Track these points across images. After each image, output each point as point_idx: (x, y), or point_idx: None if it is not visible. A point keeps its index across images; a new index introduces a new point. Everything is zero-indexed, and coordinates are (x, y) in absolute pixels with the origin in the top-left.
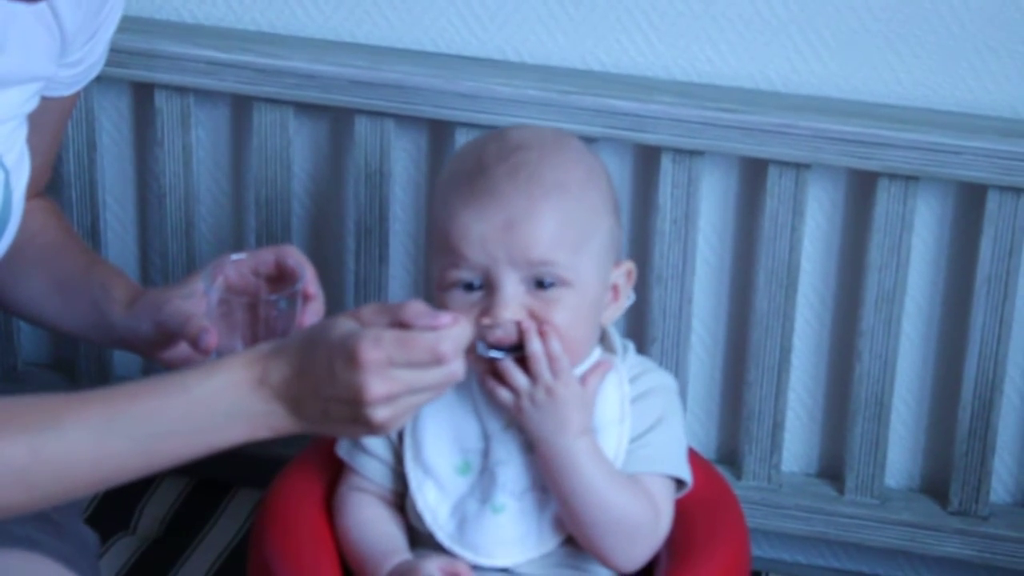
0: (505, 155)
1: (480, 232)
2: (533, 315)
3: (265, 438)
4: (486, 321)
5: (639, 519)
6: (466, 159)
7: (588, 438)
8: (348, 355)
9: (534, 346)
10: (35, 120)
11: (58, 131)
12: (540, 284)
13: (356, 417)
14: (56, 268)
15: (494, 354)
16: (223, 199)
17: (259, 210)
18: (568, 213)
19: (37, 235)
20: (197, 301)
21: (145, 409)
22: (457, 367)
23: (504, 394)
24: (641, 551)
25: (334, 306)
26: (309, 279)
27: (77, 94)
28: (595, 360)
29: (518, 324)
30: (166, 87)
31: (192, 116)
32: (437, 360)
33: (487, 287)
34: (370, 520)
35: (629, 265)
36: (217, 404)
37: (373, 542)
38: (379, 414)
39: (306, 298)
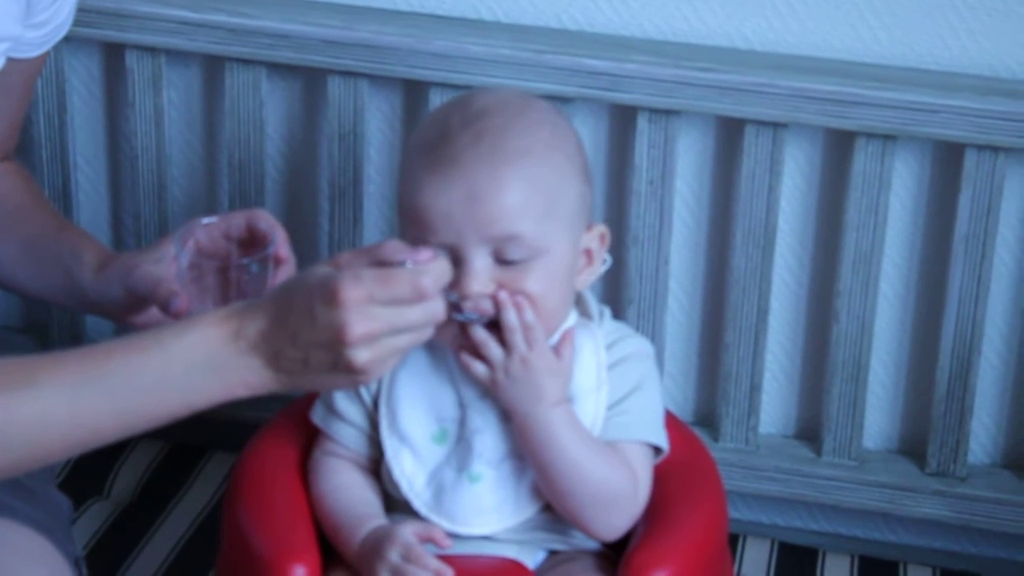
0: (468, 122)
1: (444, 206)
2: (504, 287)
3: (243, 396)
4: (455, 295)
5: (618, 488)
6: (430, 127)
7: (564, 407)
8: (328, 294)
9: (509, 317)
10: (1, 83)
11: (26, 93)
12: (509, 261)
13: (337, 362)
14: (25, 232)
15: (469, 316)
16: (195, 160)
17: (232, 171)
18: (533, 179)
19: (5, 199)
20: (167, 265)
21: (120, 365)
22: (438, 305)
23: (479, 368)
24: (621, 520)
25: (309, 266)
26: (280, 243)
27: (44, 55)
28: (571, 326)
29: (493, 297)
30: (137, 47)
31: (164, 77)
32: (419, 295)
33: (455, 260)
34: (345, 485)
35: (602, 228)
36: (193, 358)
37: (348, 507)
38: (360, 355)
39: (277, 262)
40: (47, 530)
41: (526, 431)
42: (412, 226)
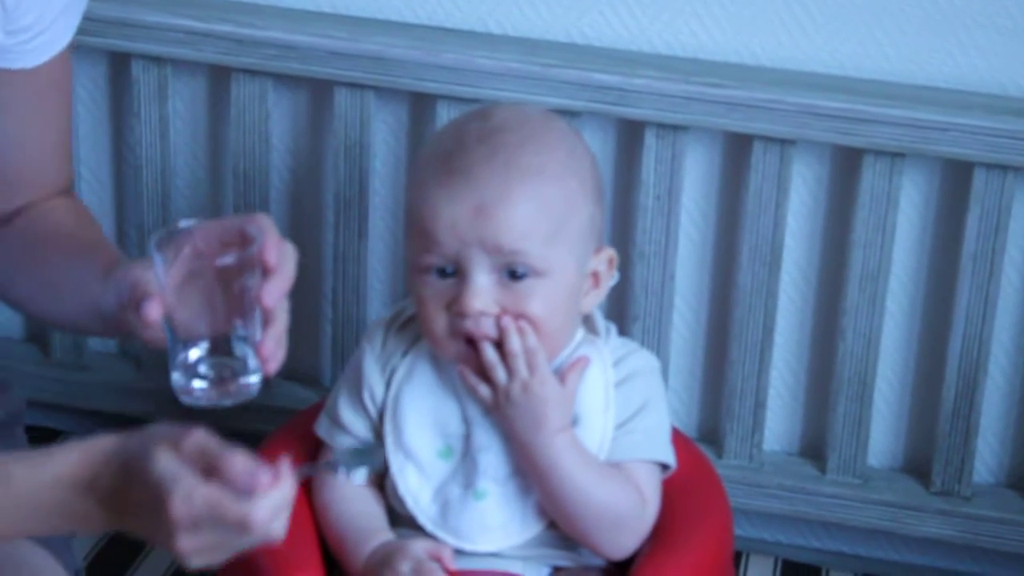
0: (485, 136)
1: (451, 215)
2: (504, 308)
3: (83, 533)
4: (456, 310)
5: (625, 510)
6: (446, 137)
7: (567, 434)
8: (159, 503)
9: (513, 343)
10: (8, 96)
11: (50, 112)
12: (512, 274)
13: (171, 548)
14: (61, 279)
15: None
16: (200, 171)
17: (236, 183)
18: (544, 200)
19: (47, 240)
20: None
21: None
22: (277, 528)
23: (483, 390)
24: (629, 539)
25: (314, 279)
26: (268, 247)
27: (57, 70)
28: (577, 343)
29: (496, 318)
30: (143, 57)
31: (169, 87)
32: (247, 530)
33: (458, 274)
34: (349, 498)
35: (610, 252)
36: (40, 499)
37: (353, 519)
38: (193, 560)
39: (266, 270)
40: (45, 542)
41: (528, 457)
42: (417, 237)
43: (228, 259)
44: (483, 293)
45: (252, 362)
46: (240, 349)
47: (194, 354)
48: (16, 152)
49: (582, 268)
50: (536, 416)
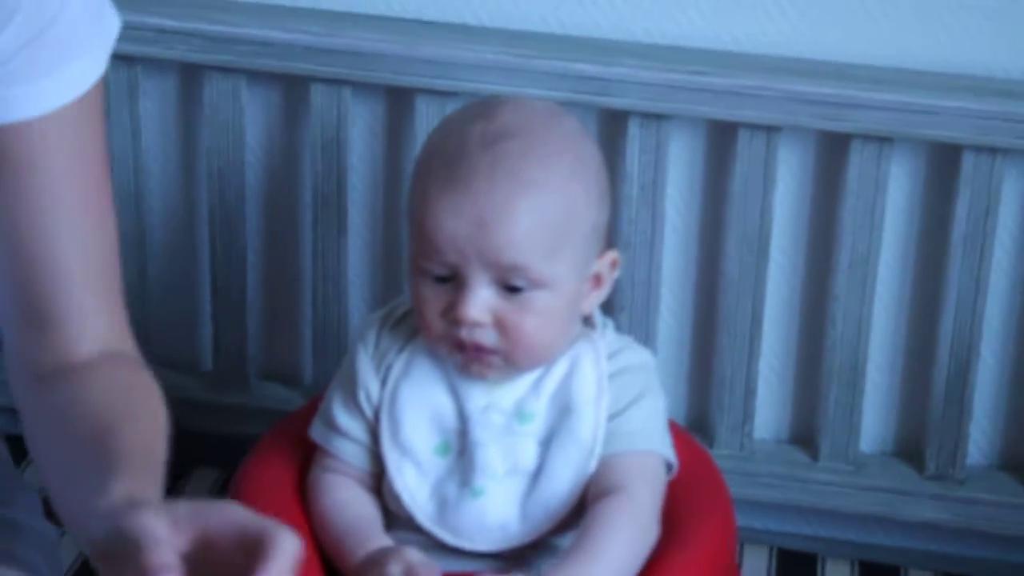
0: (488, 143)
1: (452, 228)
2: (500, 320)
3: None
4: (451, 317)
5: (639, 542)
6: (449, 137)
7: None
8: None
9: None
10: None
11: (73, 200)
12: (511, 287)
13: None
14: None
15: None
16: (173, 172)
17: (211, 182)
18: (546, 213)
19: (78, 422)
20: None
21: None
22: None
23: None
24: (650, 544)
25: (292, 280)
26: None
27: (67, 127)
28: (573, 337)
29: None
30: (113, 56)
31: (140, 87)
32: None
33: (456, 281)
34: (345, 502)
35: (613, 255)
36: None
37: (350, 522)
38: None
39: None
40: (33, 569)
41: None
42: (418, 240)
43: None
44: (480, 304)
45: None
46: None
47: None
48: (38, 265)
49: (584, 275)
50: None
